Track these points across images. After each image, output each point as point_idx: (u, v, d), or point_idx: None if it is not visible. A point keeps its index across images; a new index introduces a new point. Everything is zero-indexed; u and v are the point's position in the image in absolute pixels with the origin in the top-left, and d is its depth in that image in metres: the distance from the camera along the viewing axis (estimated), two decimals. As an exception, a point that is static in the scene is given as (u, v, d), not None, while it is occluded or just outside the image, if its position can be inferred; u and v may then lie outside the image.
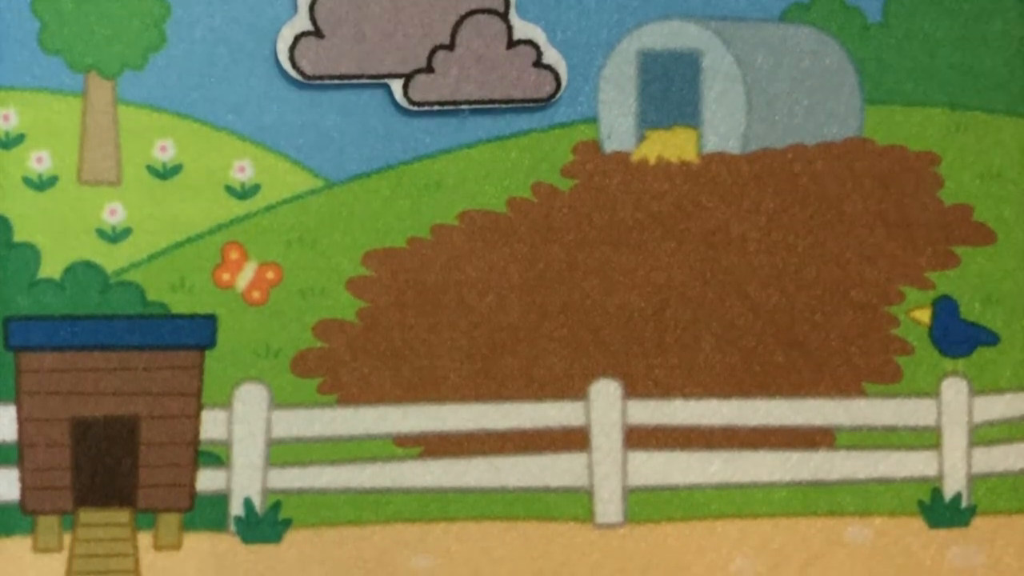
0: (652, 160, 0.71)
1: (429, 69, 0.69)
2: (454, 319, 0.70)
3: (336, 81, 0.69)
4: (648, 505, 0.72)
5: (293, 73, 0.69)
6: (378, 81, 0.69)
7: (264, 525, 0.71)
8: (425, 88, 0.69)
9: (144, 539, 0.71)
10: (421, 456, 0.71)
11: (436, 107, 0.69)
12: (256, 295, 0.70)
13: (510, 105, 0.70)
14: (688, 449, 0.72)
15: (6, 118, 0.69)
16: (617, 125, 0.71)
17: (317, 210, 0.70)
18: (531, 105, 0.70)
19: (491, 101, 0.70)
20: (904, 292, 0.72)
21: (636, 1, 0.71)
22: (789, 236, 0.71)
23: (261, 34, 0.70)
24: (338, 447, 0.71)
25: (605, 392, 0.71)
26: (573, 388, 0.71)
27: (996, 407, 0.72)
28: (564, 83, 0.70)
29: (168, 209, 0.70)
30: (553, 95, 0.70)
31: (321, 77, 0.69)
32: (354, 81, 0.69)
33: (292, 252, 0.70)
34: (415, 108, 0.69)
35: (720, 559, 0.72)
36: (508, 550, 0.71)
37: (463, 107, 0.70)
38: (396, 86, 0.70)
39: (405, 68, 0.69)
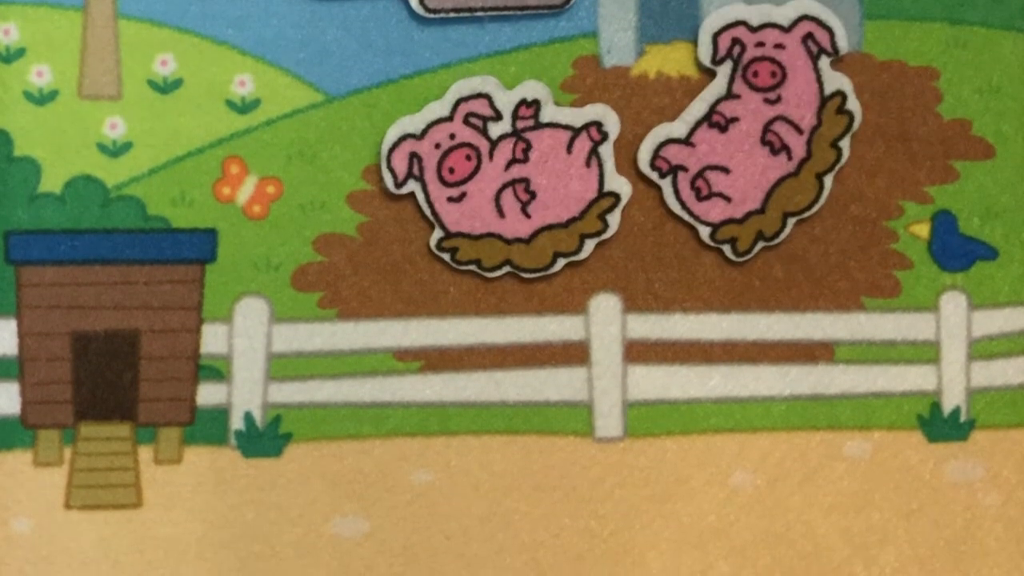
0: (652, 75, 0.71)
1: (446, -25, 0.69)
2: (454, 233, 0.71)
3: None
4: (648, 419, 0.72)
5: None
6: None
7: (264, 439, 0.71)
8: (442, -6, 0.69)
9: (145, 453, 0.71)
10: (421, 370, 0.71)
11: (452, 14, 0.69)
12: (256, 209, 0.70)
13: (525, 11, 0.70)
14: (687, 363, 0.72)
15: (7, 32, 0.69)
16: (617, 40, 0.71)
17: (318, 124, 0.70)
18: (546, 11, 0.70)
19: (507, 8, 0.69)
20: (903, 206, 0.72)
21: (636, -84, 0.71)
22: (788, 151, 0.72)
23: (262, -53, 0.70)
24: (338, 361, 0.71)
25: (605, 306, 0.71)
26: (573, 302, 0.71)
27: (995, 321, 0.72)
28: (580, -12, 0.70)
29: (168, 123, 0.70)
30: (568, 0, 0.70)
31: (340, -16, 0.69)
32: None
33: (292, 166, 0.70)
34: (431, 15, 0.69)
35: (719, 473, 0.72)
36: (508, 464, 0.71)
37: (479, 13, 0.69)
38: (413, -8, 0.70)
39: (422, -26, 0.69)
